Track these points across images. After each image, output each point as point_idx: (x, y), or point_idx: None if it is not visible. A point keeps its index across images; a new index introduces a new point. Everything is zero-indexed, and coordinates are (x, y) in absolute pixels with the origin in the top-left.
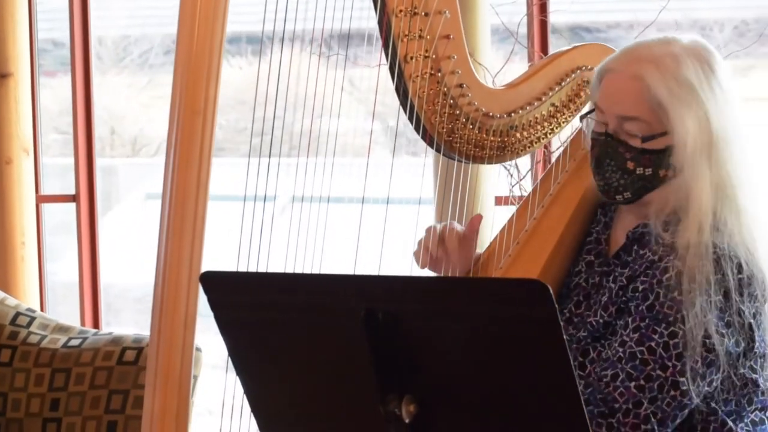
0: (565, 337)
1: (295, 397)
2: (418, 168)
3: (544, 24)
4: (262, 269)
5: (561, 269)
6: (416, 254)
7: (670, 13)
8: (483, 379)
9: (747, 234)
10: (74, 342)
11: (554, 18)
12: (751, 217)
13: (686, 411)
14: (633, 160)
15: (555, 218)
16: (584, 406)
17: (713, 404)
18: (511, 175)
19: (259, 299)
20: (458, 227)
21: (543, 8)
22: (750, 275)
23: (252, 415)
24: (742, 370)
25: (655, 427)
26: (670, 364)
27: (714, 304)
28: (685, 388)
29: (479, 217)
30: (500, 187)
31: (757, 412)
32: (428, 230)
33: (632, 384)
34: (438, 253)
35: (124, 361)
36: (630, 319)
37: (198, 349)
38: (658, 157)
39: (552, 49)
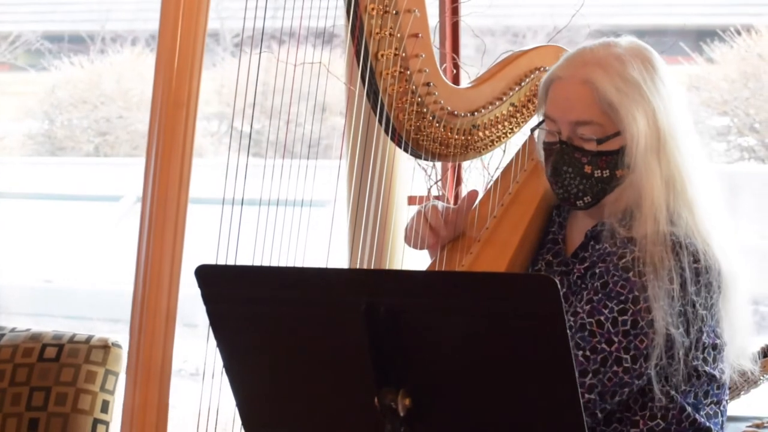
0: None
1: (288, 391)
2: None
3: (456, 26)
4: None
5: (523, 267)
6: (413, 235)
7: (584, 18)
8: (481, 374)
9: (702, 226)
10: None
11: (468, 21)
12: (704, 210)
13: (627, 389)
14: (590, 164)
15: (517, 216)
16: (581, 403)
17: (675, 394)
18: (429, 176)
19: (259, 293)
20: (441, 205)
21: (455, 11)
22: (707, 266)
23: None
24: (695, 362)
25: (597, 399)
26: (616, 339)
27: (667, 292)
28: (627, 365)
29: (475, 192)
30: (413, 187)
31: (712, 405)
32: (422, 213)
33: (579, 353)
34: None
35: (45, 358)
36: (584, 293)
37: (118, 346)
38: (614, 157)
39: (463, 51)
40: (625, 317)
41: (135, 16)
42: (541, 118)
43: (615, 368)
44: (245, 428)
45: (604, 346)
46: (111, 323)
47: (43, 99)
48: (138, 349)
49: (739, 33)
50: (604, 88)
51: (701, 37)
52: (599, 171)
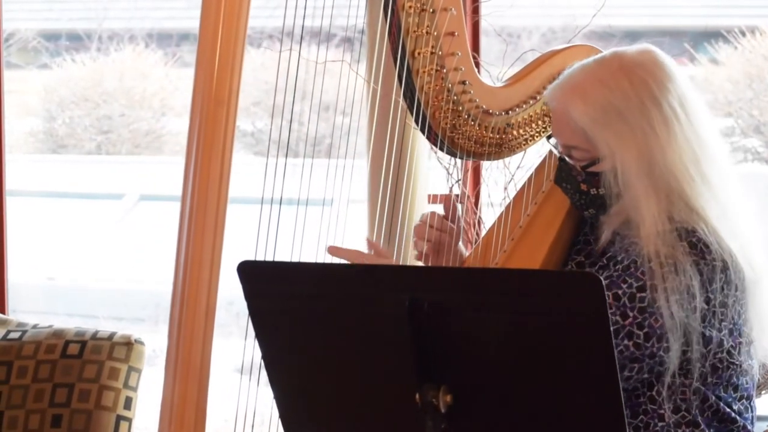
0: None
1: (329, 386)
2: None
3: (476, 25)
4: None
5: (556, 266)
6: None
7: (605, 19)
8: (523, 371)
9: (723, 228)
10: (14, 335)
11: (489, 20)
12: (726, 214)
13: (636, 366)
14: (585, 183)
15: (550, 215)
16: (623, 403)
17: (704, 389)
18: (450, 174)
19: (302, 289)
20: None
21: (476, 10)
22: (728, 265)
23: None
24: (720, 355)
25: None
26: (631, 314)
27: (687, 288)
28: (639, 341)
29: (447, 197)
30: (433, 186)
31: (744, 401)
32: (422, 225)
33: None
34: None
35: (68, 355)
36: (605, 272)
37: (141, 343)
38: (605, 177)
39: (483, 51)
40: (643, 294)
41: (132, 14)
42: None
43: (626, 342)
44: (284, 424)
45: (618, 318)
46: (115, 321)
47: (45, 97)
48: (177, 347)
49: (743, 34)
50: (579, 118)
51: (705, 38)
52: (594, 189)
